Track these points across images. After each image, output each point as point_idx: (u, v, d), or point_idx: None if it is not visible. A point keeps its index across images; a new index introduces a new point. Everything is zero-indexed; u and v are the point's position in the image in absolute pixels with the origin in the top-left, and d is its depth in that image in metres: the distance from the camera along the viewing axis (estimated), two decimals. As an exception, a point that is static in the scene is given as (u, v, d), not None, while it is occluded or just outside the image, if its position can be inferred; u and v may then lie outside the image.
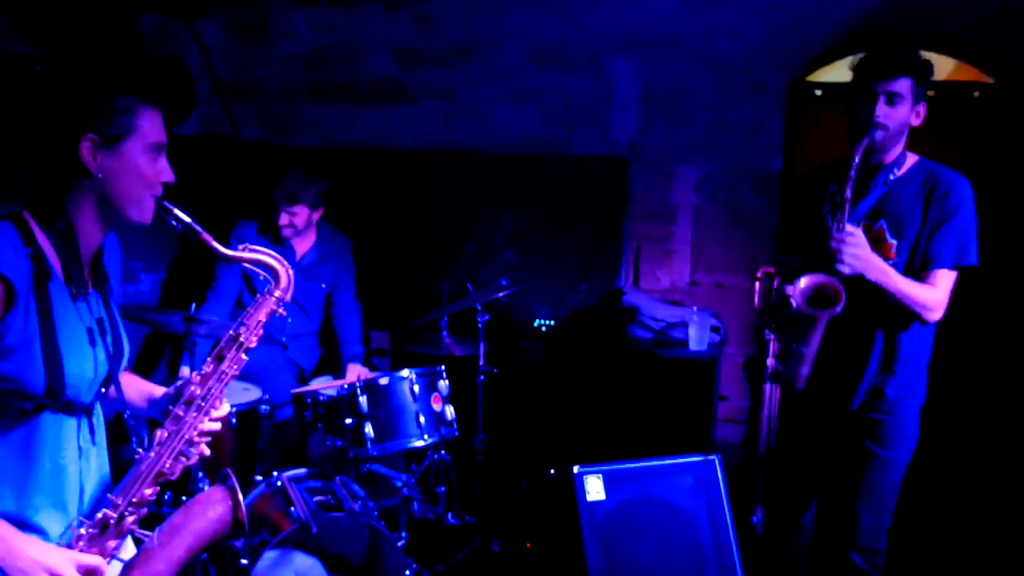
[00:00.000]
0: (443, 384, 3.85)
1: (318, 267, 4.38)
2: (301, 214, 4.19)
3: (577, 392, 4.41)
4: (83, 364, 1.87)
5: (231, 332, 2.03)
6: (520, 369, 4.52)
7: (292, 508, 3.05)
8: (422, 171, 5.33)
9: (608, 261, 5.03)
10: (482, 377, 4.14)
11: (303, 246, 4.37)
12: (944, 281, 2.92)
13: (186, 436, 1.95)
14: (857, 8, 4.40)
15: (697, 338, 4.31)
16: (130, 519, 1.88)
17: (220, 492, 1.97)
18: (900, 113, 2.88)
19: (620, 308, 4.75)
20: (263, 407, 3.71)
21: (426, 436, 3.70)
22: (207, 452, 2.00)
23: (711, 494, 3.40)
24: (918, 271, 2.93)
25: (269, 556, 3.00)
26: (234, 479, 1.98)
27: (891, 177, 2.97)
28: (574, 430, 4.35)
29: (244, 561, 3.00)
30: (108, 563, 1.85)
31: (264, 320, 2.06)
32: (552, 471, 3.65)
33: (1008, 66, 4.58)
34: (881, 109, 2.85)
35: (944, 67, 5.21)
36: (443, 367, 3.88)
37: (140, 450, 1.93)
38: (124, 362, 2.05)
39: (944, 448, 4.64)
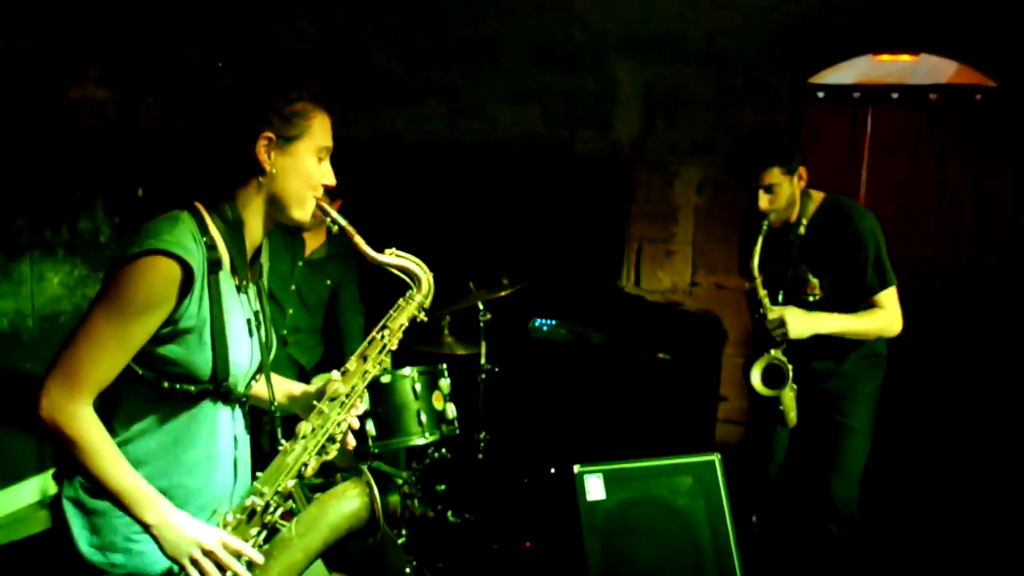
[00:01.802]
0: (444, 382, 3.85)
1: (325, 264, 4.38)
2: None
3: (577, 391, 4.41)
4: (243, 354, 1.93)
5: (373, 334, 2.10)
6: (521, 368, 4.52)
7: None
8: (424, 169, 5.33)
9: (609, 261, 5.04)
10: (483, 375, 4.14)
11: (314, 242, 4.36)
12: (887, 299, 3.24)
13: (329, 431, 2.00)
14: (859, 10, 4.41)
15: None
16: (276, 511, 1.92)
17: (356, 487, 2.01)
18: (782, 195, 3.17)
19: (621, 307, 4.76)
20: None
21: (427, 434, 3.71)
22: (352, 444, 2.07)
23: (711, 494, 3.40)
24: (846, 297, 3.26)
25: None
26: (369, 475, 2.02)
27: (800, 230, 3.27)
28: (574, 429, 4.36)
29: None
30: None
31: (406, 324, 2.12)
32: (552, 470, 3.66)
33: (1010, 69, 4.59)
34: (763, 201, 3.16)
35: (946, 70, 5.22)
36: (444, 365, 3.89)
37: (284, 442, 1.98)
38: (271, 356, 2.10)
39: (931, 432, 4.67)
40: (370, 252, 2.05)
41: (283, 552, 1.89)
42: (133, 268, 1.74)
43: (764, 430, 3.48)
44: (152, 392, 1.83)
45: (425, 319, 2.16)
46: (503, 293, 4.13)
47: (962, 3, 4.44)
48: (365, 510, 2.00)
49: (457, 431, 3.84)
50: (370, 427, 3.60)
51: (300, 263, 4.24)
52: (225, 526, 1.86)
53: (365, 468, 2.06)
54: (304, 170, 1.93)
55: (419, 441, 3.71)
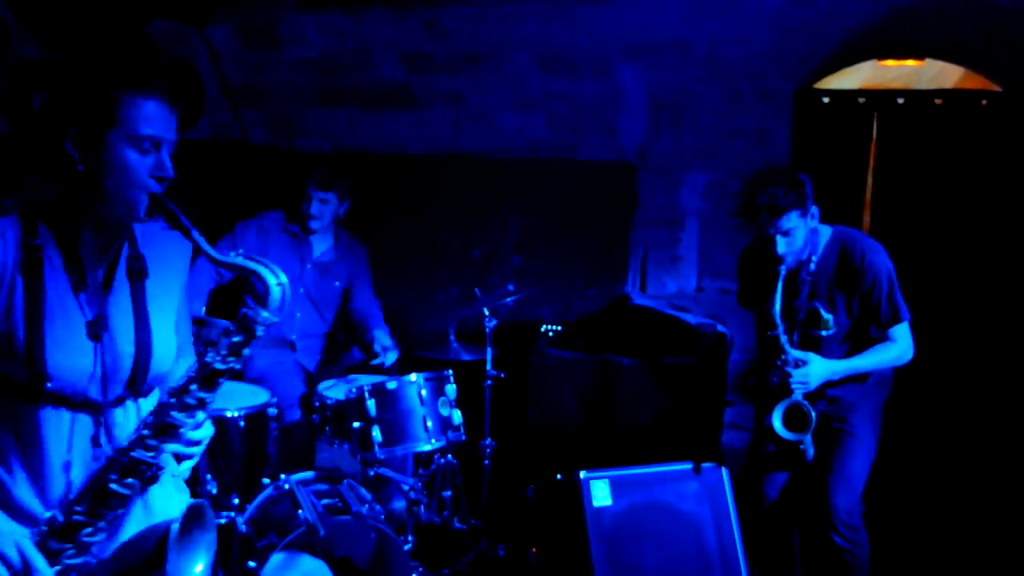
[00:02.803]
0: (450, 388, 3.85)
1: (334, 265, 4.39)
2: (331, 202, 4.26)
3: (584, 397, 4.41)
4: (75, 356, 1.83)
5: (204, 357, 1.89)
6: (527, 374, 4.52)
7: (299, 511, 3.06)
8: (430, 176, 5.34)
9: (615, 267, 5.03)
10: (489, 382, 4.14)
11: (321, 244, 4.39)
12: (900, 333, 3.27)
13: (138, 456, 1.85)
14: (864, 16, 4.41)
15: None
16: (86, 529, 1.82)
17: (169, 533, 1.85)
18: (796, 238, 3.19)
19: (627, 313, 4.76)
20: (271, 410, 3.72)
21: (433, 440, 3.70)
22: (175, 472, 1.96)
23: (717, 500, 3.40)
24: (858, 331, 3.30)
25: (276, 559, 3.01)
26: (200, 510, 1.87)
27: (812, 267, 3.30)
28: (581, 435, 4.36)
29: (252, 563, 3.01)
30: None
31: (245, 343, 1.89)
32: (559, 476, 3.65)
33: (1016, 74, 4.59)
34: (780, 246, 3.17)
35: (952, 75, 5.22)
36: (450, 371, 3.88)
37: (92, 462, 1.88)
38: (158, 363, 1.97)
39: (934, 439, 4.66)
40: (210, 252, 1.83)
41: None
42: None
43: (766, 448, 3.45)
44: None
45: (260, 335, 1.89)
46: (509, 299, 4.13)
47: (967, 9, 4.44)
48: (161, 548, 1.85)
49: (463, 437, 3.84)
50: (376, 433, 3.60)
51: (308, 266, 4.27)
52: (33, 536, 1.79)
53: (199, 504, 1.88)
54: (122, 164, 1.79)
55: (425, 447, 3.70)
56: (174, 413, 1.85)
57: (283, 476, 3.37)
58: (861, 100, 5.04)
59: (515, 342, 4.57)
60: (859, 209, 5.09)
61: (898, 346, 3.26)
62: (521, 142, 5.18)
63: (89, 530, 1.82)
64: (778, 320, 3.16)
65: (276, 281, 1.83)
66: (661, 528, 3.34)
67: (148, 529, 1.95)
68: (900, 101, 5.00)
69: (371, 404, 3.60)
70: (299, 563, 3.08)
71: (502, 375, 4.15)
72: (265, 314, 1.84)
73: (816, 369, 3.18)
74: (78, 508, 1.81)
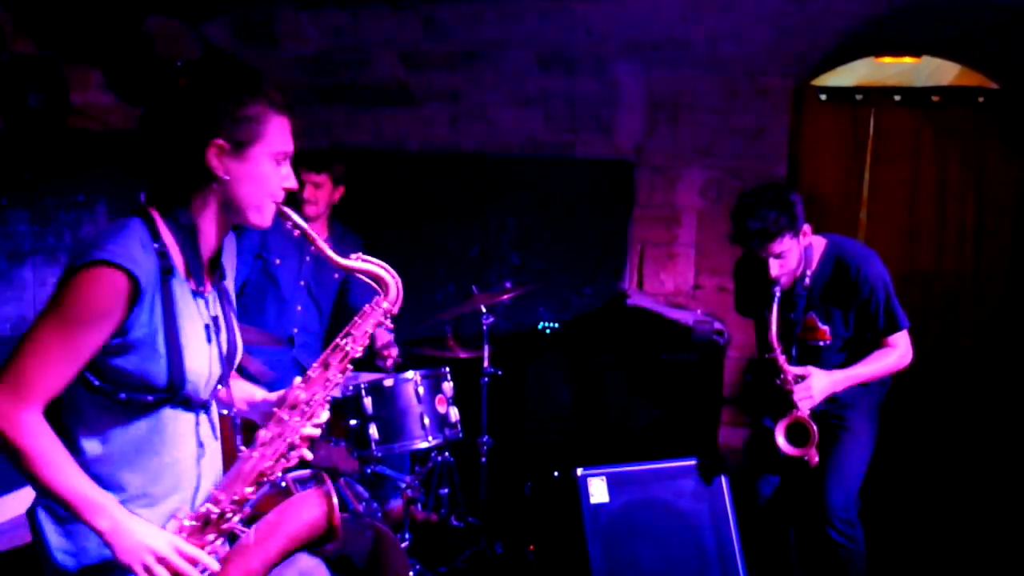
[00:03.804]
0: (447, 386, 3.84)
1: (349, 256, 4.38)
2: (325, 186, 4.20)
3: (581, 394, 4.41)
4: (201, 360, 1.91)
5: (336, 341, 2.06)
6: (524, 371, 4.52)
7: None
8: (427, 174, 5.34)
9: (612, 264, 5.04)
10: (486, 379, 4.14)
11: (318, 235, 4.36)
12: (900, 339, 3.27)
13: (288, 439, 1.97)
14: (862, 14, 4.41)
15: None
16: (233, 517, 1.90)
17: (316, 495, 1.99)
18: (791, 258, 3.20)
19: (624, 311, 4.76)
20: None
21: (430, 438, 3.70)
22: (309, 456, 2.03)
23: (715, 497, 3.40)
24: (855, 340, 3.29)
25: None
26: (330, 484, 2.00)
27: (807, 281, 3.29)
28: (578, 432, 4.36)
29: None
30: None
31: (371, 331, 2.07)
32: (556, 473, 3.65)
33: (1012, 71, 4.59)
34: (774, 268, 3.17)
35: (948, 72, 5.23)
36: (447, 369, 3.88)
37: (243, 448, 1.96)
38: (236, 361, 2.08)
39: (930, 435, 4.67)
40: (335, 257, 2.01)
41: (240, 559, 1.88)
42: (78, 279, 1.73)
43: (763, 446, 3.45)
44: (110, 402, 1.82)
45: (391, 326, 2.12)
46: (506, 297, 4.12)
47: (964, 6, 4.44)
48: (324, 519, 1.97)
49: (460, 435, 3.84)
50: (373, 431, 3.59)
51: (308, 258, 4.25)
52: (181, 531, 1.85)
53: (327, 476, 2.04)
54: (260, 176, 1.89)
55: (422, 445, 3.70)
56: (317, 397, 2.01)
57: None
58: (858, 97, 5.04)
59: (512, 340, 4.58)
60: (856, 206, 5.09)
61: (897, 352, 3.26)
62: (519, 139, 5.18)
63: (234, 517, 1.90)
64: (775, 342, 3.15)
65: (394, 279, 2.06)
66: (658, 525, 3.34)
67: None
68: (897, 98, 5.00)
69: (368, 402, 3.60)
70: (296, 561, 3.08)
71: (499, 373, 4.15)
72: (386, 304, 2.06)
73: (818, 383, 3.17)
74: (226, 498, 1.89)
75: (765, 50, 4.66)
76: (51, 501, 1.77)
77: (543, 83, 5.00)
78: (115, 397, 1.81)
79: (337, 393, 2.08)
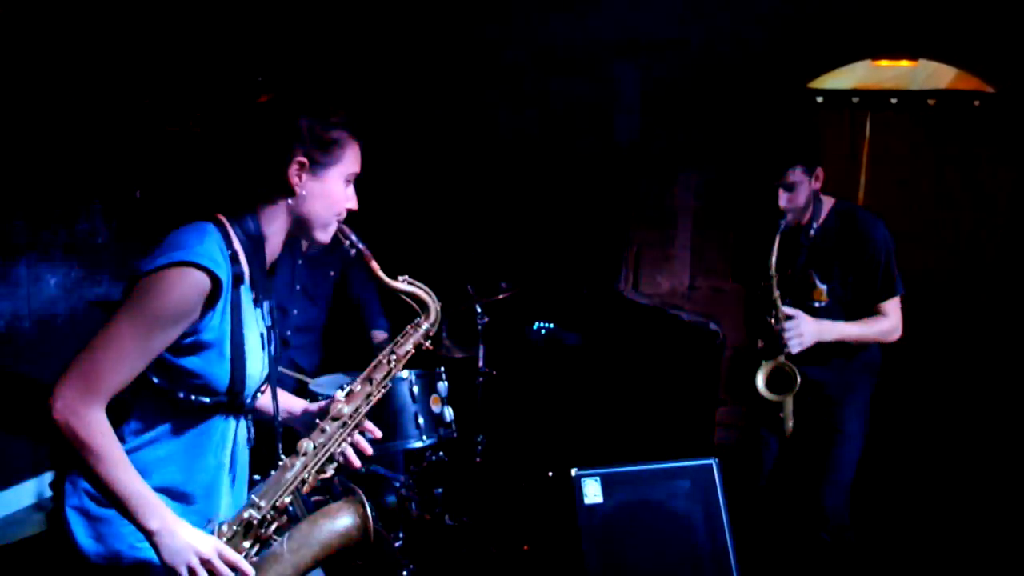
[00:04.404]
0: (442, 385, 3.85)
1: (325, 255, 4.37)
2: None
3: (576, 394, 4.41)
4: (256, 367, 1.94)
5: (380, 358, 2.13)
6: (519, 371, 4.52)
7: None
8: (423, 172, 5.33)
9: (608, 264, 5.04)
10: (481, 379, 4.14)
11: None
12: (891, 307, 3.24)
13: (330, 450, 2.02)
14: (858, 16, 4.42)
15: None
16: (272, 525, 1.92)
17: (350, 506, 2.01)
18: (801, 194, 3.15)
19: (620, 311, 4.76)
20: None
21: (424, 437, 3.70)
22: (357, 464, 2.08)
23: (709, 497, 3.40)
24: (852, 304, 3.25)
25: (267, 555, 3.00)
26: (362, 494, 2.03)
27: (811, 232, 3.26)
28: (572, 432, 4.36)
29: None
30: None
31: (412, 351, 2.17)
32: (550, 473, 3.66)
33: (1008, 75, 4.60)
34: (783, 199, 3.13)
35: (945, 76, 5.23)
36: (442, 368, 3.88)
37: (284, 457, 1.98)
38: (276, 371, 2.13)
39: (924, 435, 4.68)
40: (385, 278, 2.09)
41: (273, 567, 1.90)
42: (162, 278, 1.75)
43: (756, 440, 3.46)
44: (166, 401, 1.85)
45: (431, 347, 2.21)
46: (501, 297, 4.12)
47: (961, 9, 4.45)
48: (357, 530, 2.00)
49: (455, 434, 3.84)
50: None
51: (299, 261, 4.24)
52: (220, 536, 1.86)
53: (359, 490, 2.06)
54: (332, 195, 1.96)
55: (416, 444, 3.70)
56: (361, 411, 2.08)
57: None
58: (855, 100, 5.04)
59: (507, 339, 4.57)
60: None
61: (888, 321, 3.23)
62: (516, 140, 5.18)
63: (272, 525, 1.93)
64: (773, 270, 3.11)
65: (434, 301, 2.16)
66: (653, 525, 3.34)
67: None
68: (893, 101, 5.01)
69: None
70: (289, 559, 3.08)
71: (494, 372, 4.15)
72: (427, 326, 2.16)
73: (808, 326, 3.13)
74: (268, 504, 1.92)
75: (761, 52, 4.66)
76: (103, 497, 1.78)
77: (540, 83, 5.00)
78: (173, 396, 1.84)
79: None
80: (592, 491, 3.32)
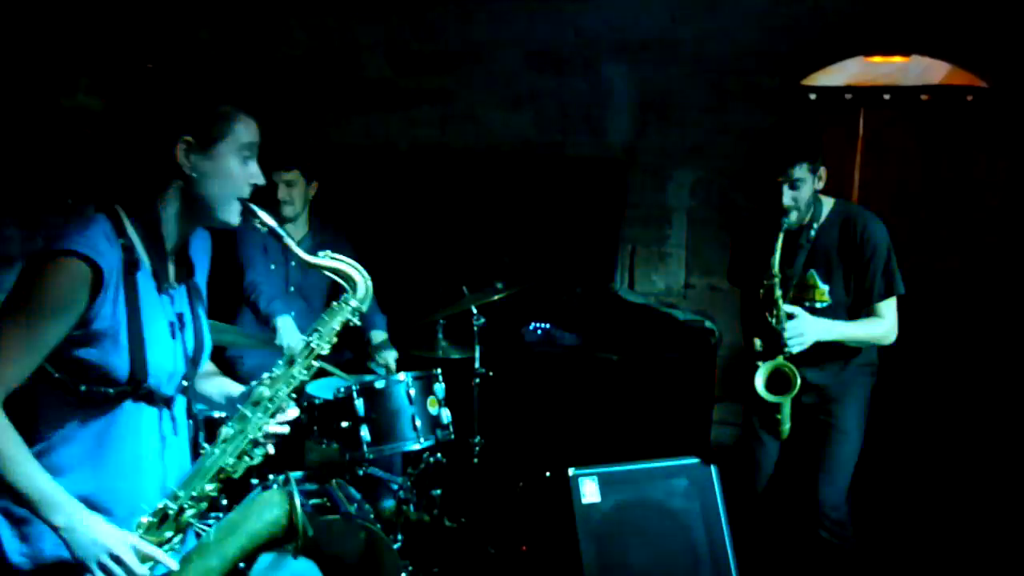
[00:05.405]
0: (439, 387, 3.84)
1: (316, 252, 4.35)
2: (298, 183, 4.14)
3: (572, 395, 4.41)
4: (164, 355, 1.91)
5: (304, 338, 2.06)
6: (515, 372, 4.52)
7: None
8: (418, 174, 5.33)
9: (603, 264, 5.04)
10: (477, 380, 4.14)
11: (297, 233, 4.28)
12: (887, 309, 3.24)
13: (251, 436, 1.98)
14: (850, 12, 4.42)
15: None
16: (193, 514, 1.91)
17: (277, 495, 2.00)
18: (804, 191, 3.14)
19: (615, 311, 4.76)
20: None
21: (422, 439, 3.70)
22: (272, 452, 2.04)
23: (707, 496, 3.40)
24: (853, 305, 3.26)
25: (265, 559, 3.00)
26: (294, 484, 2.02)
27: (812, 233, 3.26)
28: (569, 432, 4.36)
29: (241, 564, 3.00)
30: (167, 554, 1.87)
31: (338, 329, 2.07)
32: (547, 473, 3.66)
33: (1001, 70, 4.60)
34: (787, 196, 3.11)
35: (938, 71, 5.23)
36: (439, 370, 3.88)
37: (206, 445, 1.97)
38: (205, 357, 2.11)
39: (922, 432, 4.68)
40: (302, 254, 2.03)
41: (199, 557, 1.90)
42: (42, 269, 1.75)
43: (754, 442, 3.46)
44: (70, 396, 1.82)
45: (359, 323, 2.12)
46: (497, 297, 4.12)
47: (953, 4, 4.45)
48: (284, 518, 1.98)
49: (452, 436, 3.84)
50: (365, 432, 3.59)
51: (292, 263, 4.21)
52: (138, 527, 1.85)
53: (291, 477, 2.06)
54: (227, 173, 1.91)
55: (414, 446, 3.70)
56: (281, 394, 2.01)
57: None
58: (848, 96, 5.04)
59: (503, 340, 4.57)
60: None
61: (885, 323, 3.23)
62: (508, 140, 5.18)
63: (193, 512, 1.91)
64: (776, 269, 3.10)
65: (363, 276, 2.08)
66: (650, 525, 3.34)
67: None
68: (887, 97, 5.01)
69: (359, 403, 3.60)
70: (288, 563, 3.08)
71: (490, 373, 4.14)
72: (355, 302, 2.06)
73: (808, 325, 3.12)
74: (186, 494, 1.90)
75: (754, 50, 4.66)
76: (6, 496, 1.76)
77: (533, 84, 5.01)
78: (75, 389, 1.81)
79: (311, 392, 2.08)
80: (589, 490, 3.33)
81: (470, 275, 4.34)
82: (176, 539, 1.89)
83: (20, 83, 4.15)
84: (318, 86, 5.32)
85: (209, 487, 1.93)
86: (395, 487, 3.72)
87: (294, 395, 2.05)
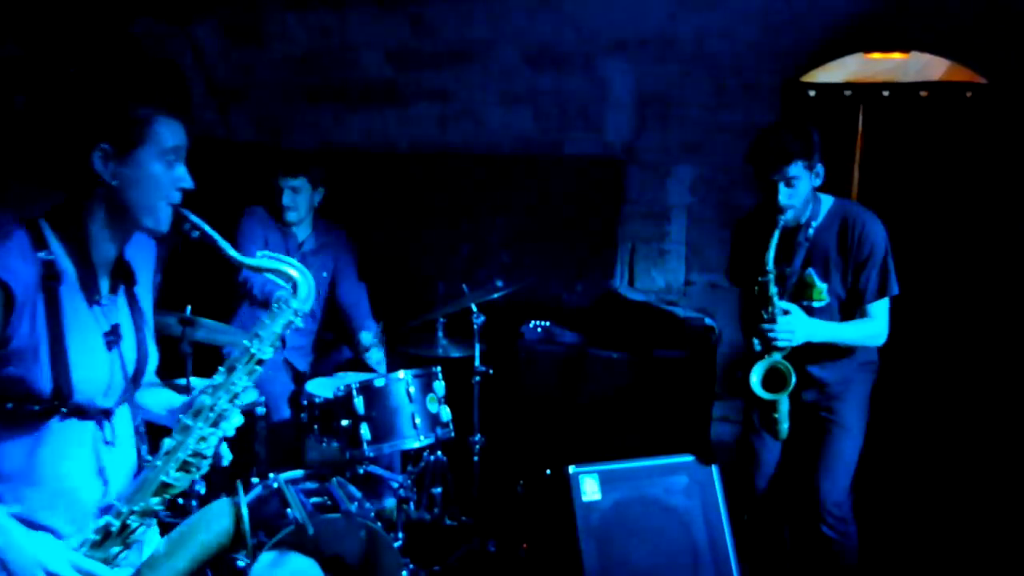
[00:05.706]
0: (439, 385, 3.84)
1: (319, 253, 4.37)
2: (304, 190, 4.19)
3: (573, 392, 4.41)
4: (96, 368, 1.87)
5: (244, 343, 2.01)
6: (515, 369, 4.52)
7: (289, 509, 3.05)
8: (417, 173, 5.33)
9: (603, 262, 5.04)
10: (477, 378, 4.14)
11: (300, 236, 4.35)
12: (879, 310, 3.23)
13: (192, 447, 1.92)
14: (850, 10, 4.42)
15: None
16: (137, 528, 1.87)
17: (226, 505, 1.97)
18: (801, 190, 3.14)
19: (615, 308, 4.76)
20: (259, 409, 3.71)
21: (422, 437, 3.70)
22: (225, 463, 2.03)
23: (707, 493, 3.40)
24: (849, 304, 3.26)
25: (266, 557, 3.00)
26: (241, 493, 1.98)
27: (810, 232, 3.25)
28: (570, 430, 4.36)
29: (241, 562, 3.00)
30: (112, 569, 1.85)
31: (280, 332, 2.03)
32: (548, 471, 3.65)
33: (1000, 66, 4.60)
34: (783, 195, 3.11)
35: (937, 68, 5.23)
36: (439, 368, 3.88)
37: (149, 457, 1.93)
38: (150, 366, 2.05)
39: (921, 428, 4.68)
40: (239, 257, 1.97)
41: (149, 571, 1.88)
42: None
43: (755, 439, 3.46)
44: None
45: (300, 325, 2.08)
46: (496, 295, 4.12)
47: (952, 1, 4.45)
48: (232, 527, 1.96)
49: (452, 434, 3.84)
50: (365, 431, 3.59)
51: (295, 259, 4.23)
52: (83, 544, 1.82)
53: (239, 485, 2.03)
54: (149, 178, 1.85)
55: (414, 444, 3.70)
56: (222, 403, 1.95)
57: (272, 475, 3.36)
58: (847, 93, 5.04)
59: (503, 338, 4.57)
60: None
61: (875, 324, 3.22)
62: (508, 138, 5.18)
63: (140, 528, 1.88)
64: (770, 266, 3.10)
65: (304, 277, 2.04)
66: (651, 522, 3.34)
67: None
68: (886, 94, 5.01)
69: (359, 402, 3.60)
70: (289, 561, 3.08)
71: (490, 371, 4.14)
72: (296, 304, 2.02)
73: (800, 321, 3.12)
74: (128, 509, 1.86)
75: (753, 47, 4.66)
76: None
77: (532, 81, 5.00)
78: (1, 408, 1.77)
79: (246, 397, 2.01)
80: (590, 488, 3.33)
81: (470, 273, 4.35)
82: (122, 555, 1.86)
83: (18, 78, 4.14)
84: (317, 85, 5.32)
85: (154, 500, 1.88)
86: (395, 485, 3.72)
87: (237, 403, 1.99)
